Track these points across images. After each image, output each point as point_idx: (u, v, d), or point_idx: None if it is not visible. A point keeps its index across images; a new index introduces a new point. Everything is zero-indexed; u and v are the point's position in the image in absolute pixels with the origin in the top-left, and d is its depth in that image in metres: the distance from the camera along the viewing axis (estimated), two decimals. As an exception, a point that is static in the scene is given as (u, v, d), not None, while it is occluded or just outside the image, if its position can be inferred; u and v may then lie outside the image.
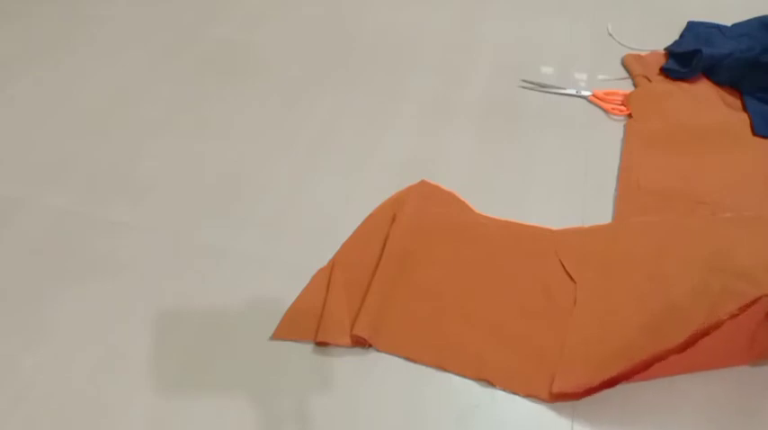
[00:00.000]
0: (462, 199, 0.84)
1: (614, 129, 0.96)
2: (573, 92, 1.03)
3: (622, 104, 1.00)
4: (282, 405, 0.63)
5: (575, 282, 0.74)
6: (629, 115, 0.97)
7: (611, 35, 1.16)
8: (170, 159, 0.90)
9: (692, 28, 1.15)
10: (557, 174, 0.89)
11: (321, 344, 0.68)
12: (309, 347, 0.68)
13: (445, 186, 0.86)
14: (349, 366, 0.67)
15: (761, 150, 0.91)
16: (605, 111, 1.00)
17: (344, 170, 0.89)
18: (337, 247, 0.78)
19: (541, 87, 1.04)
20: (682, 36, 1.14)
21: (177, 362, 0.67)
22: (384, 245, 0.76)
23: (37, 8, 1.19)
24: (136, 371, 0.66)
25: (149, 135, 0.94)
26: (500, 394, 0.64)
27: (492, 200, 0.84)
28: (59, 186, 0.86)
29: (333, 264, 0.75)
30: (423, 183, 0.86)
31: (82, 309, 0.71)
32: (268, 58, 1.09)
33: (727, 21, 1.16)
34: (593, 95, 1.02)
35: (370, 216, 0.82)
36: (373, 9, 1.22)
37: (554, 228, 0.80)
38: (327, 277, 0.74)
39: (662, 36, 1.13)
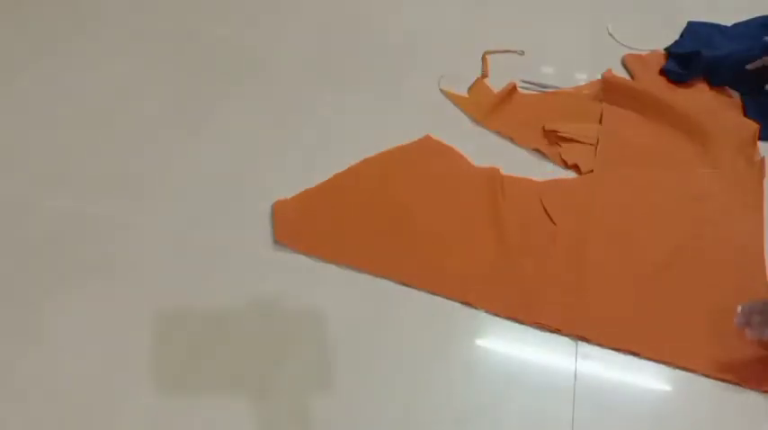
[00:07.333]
0: (461, 152, 0.90)
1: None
2: (573, 92, 1.03)
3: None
4: (282, 405, 0.63)
5: (555, 224, 0.80)
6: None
7: (611, 35, 1.16)
8: (170, 159, 0.90)
9: (692, 28, 1.15)
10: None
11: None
12: (309, 347, 0.68)
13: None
14: (349, 366, 0.67)
15: (735, 125, 0.94)
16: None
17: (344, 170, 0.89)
18: (337, 247, 0.78)
19: (541, 87, 1.04)
20: (682, 36, 1.14)
21: (177, 363, 0.67)
22: (379, 192, 0.84)
23: (37, 7, 1.19)
24: (136, 371, 0.66)
25: (149, 135, 0.94)
26: (500, 394, 0.65)
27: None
28: (59, 186, 0.85)
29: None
30: (426, 138, 0.92)
31: (82, 310, 0.71)
32: (268, 58, 1.08)
33: (727, 21, 1.16)
34: (593, 95, 1.02)
35: (369, 158, 0.89)
36: (373, 9, 1.22)
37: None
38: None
39: (662, 36, 1.14)
